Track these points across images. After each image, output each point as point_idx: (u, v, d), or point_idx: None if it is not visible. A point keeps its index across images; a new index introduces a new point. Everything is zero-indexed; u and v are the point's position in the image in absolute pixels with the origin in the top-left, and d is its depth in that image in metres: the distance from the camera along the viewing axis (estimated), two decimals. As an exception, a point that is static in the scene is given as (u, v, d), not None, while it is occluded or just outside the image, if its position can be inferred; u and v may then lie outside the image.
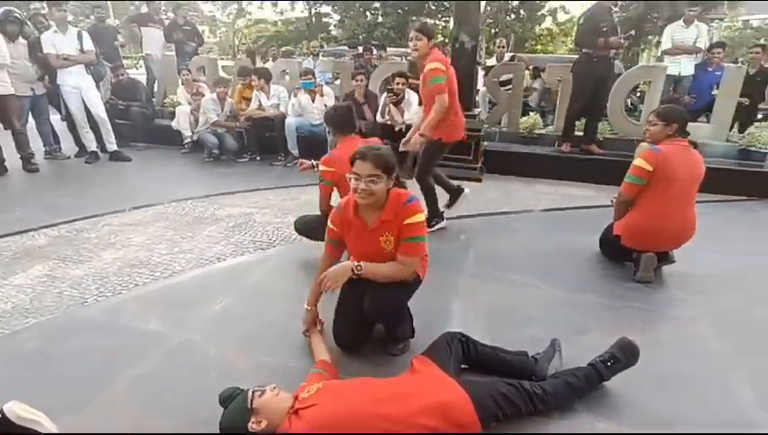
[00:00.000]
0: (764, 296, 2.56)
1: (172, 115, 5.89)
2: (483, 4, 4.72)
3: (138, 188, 4.33)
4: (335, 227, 1.94)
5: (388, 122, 4.84)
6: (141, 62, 7.68)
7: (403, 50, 10.53)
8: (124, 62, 7.13)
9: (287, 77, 6.29)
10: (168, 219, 3.50)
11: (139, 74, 8.32)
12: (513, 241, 3.25)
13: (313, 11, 17.84)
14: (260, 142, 5.35)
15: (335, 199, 2.59)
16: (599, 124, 4.93)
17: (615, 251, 2.83)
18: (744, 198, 4.30)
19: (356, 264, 1.76)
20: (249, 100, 5.40)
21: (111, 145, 5.17)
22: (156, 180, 4.63)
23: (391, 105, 4.75)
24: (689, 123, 2.69)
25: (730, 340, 2.12)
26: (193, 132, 5.46)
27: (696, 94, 5.67)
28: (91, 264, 2.78)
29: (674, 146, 2.59)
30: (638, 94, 7.00)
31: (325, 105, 5.22)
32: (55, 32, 4.70)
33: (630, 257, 2.73)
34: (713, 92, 5.41)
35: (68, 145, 5.40)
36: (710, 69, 5.75)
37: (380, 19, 16.15)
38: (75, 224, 3.38)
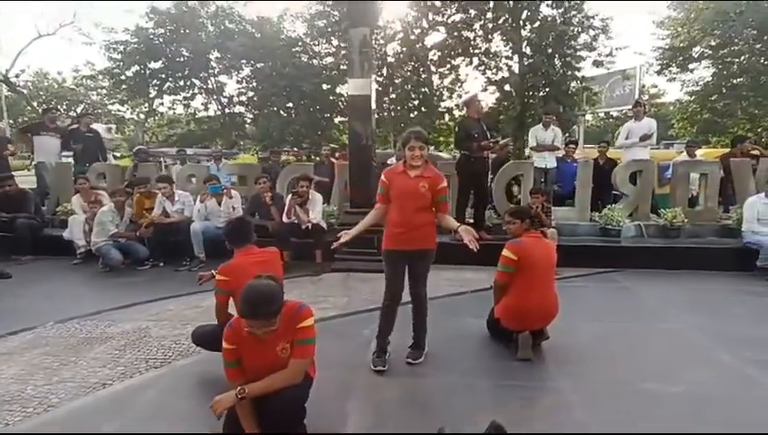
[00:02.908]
0: (625, 363, 2.95)
1: (64, 224, 5.60)
2: (373, 100, 5.37)
3: (17, 310, 3.95)
4: (231, 345, 1.96)
5: (295, 221, 5.05)
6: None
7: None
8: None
9: (194, 180, 6.37)
10: (49, 344, 3.21)
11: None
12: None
13: (227, 110, 18.44)
14: (164, 248, 5.23)
15: (233, 308, 2.63)
16: (485, 212, 5.57)
17: (498, 332, 3.13)
18: (608, 269, 5.00)
19: (239, 389, 1.81)
20: (149, 209, 5.34)
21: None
22: (39, 298, 4.26)
23: (297, 206, 4.99)
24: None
25: (594, 408, 2.40)
26: (88, 242, 5.19)
27: (562, 183, 6.71)
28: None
29: (531, 238, 3.06)
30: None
31: (233, 207, 5.34)
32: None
33: (512, 337, 3.03)
34: (575, 181, 6.44)
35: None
36: (569, 161, 6.90)
37: (294, 116, 17.11)
38: None
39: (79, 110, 20.21)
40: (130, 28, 15.75)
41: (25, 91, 20.14)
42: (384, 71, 16.18)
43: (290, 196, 5.17)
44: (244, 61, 16.79)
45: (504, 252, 3.03)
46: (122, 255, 5.01)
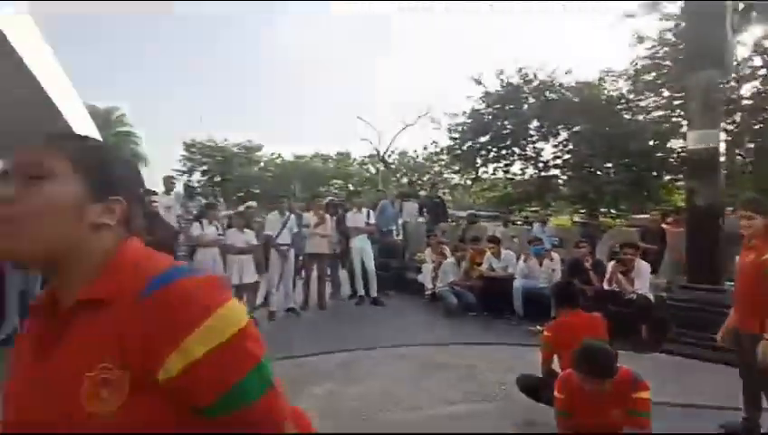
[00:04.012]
0: None
1: (417, 270, 7.30)
2: (721, 154, 4.67)
3: (388, 329, 5.44)
4: (561, 395, 2.23)
5: (616, 289, 4.88)
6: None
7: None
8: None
9: (515, 241, 7.11)
10: (405, 360, 4.31)
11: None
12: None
13: (542, 174, 19.22)
14: (488, 300, 6.04)
15: (556, 364, 2.91)
16: None
17: None
18: None
19: None
20: (479, 263, 6.32)
21: (374, 292, 6.73)
22: (399, 324, 5.72)
23: (619, 274, 4.84)
24: None
25: None
26: (433, 287, 6.61)
27: None
28: (362, 388, 3.70)
29: None
30: None
31: (552, 269, 5.67)
32: (354, 212, 6.88)
33: None
34: None
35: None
36: None
37: (612, 176, 16.15)
38: (341, 355, 4.47)
39: (425, 179, 25.74)
40: (467, 111, 19.09)
41: (393, 167, 27.50)
42: (736, 117, 13.25)
43: (612, 262, 5.06)
44: (560, 126, 17.34)
45: None
46: (457, 300, 6.11)
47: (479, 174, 20.52)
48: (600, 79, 17.14)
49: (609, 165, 16.51)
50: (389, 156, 27.98)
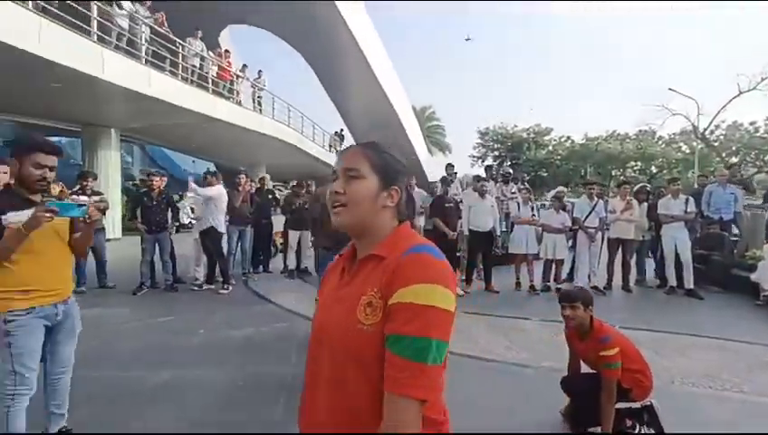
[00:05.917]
0: None
1: (750, 268, 6.35)
2: None
3: (704, 320, 5.20)
4: None
5: None
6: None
7: None
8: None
9: None
10: (724, 351, 4.17)
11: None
12: None
13: None
14: None
15: None
16: None
17: None
18: None
19: None
20: None
21: (689, 283, 6.33)
22: (722, 319, 5.31)
23: None
24: None
25: None
26: (773, 289, 5.71)
27: None
28: (670, 363, 3.95)
29: None
30: None
31: None
32: (667, 198, 6.57)
33: None
34: None
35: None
36: None
37: None
38: (646, 333, 4.60)
39: (766, 158, 19.87)
40: None
41: (716, 144, 22.24)
42: None
43: None
44: None
45: None
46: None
47: None
48: None
49: None
50: (711, 132, 22.86)
